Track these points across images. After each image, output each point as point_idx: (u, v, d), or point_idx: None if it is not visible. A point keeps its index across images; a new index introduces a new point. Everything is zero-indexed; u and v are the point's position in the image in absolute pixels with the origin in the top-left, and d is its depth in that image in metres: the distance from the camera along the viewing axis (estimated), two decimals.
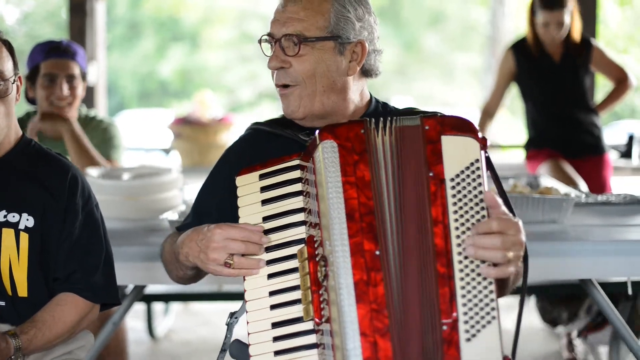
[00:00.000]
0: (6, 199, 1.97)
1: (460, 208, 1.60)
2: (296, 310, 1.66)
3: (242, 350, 1.81)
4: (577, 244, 2.46)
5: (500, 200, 1.61)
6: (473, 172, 1.62)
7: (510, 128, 14.65)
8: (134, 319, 4.83)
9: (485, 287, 1.56)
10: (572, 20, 4.23)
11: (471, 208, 1.60)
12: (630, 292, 3.33)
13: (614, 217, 2.87)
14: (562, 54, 4.27)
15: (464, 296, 1.55)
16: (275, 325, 1.67)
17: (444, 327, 1.55)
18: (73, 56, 3.27)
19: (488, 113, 4.50)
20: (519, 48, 4.36)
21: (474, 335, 1.55)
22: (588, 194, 3.15)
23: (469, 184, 1.61)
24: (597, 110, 4.40)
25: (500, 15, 11.80)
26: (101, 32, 6.31)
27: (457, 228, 1.59)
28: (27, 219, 1.95)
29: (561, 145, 4.30)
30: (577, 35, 4.25)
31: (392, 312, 1.56)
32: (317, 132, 1.70)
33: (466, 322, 1.55)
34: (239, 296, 3.64)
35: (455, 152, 1.64)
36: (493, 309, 1.56)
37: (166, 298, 4.40)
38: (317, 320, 1.63)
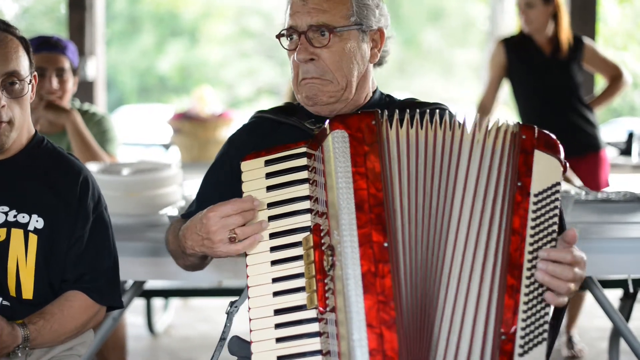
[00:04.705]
0: (17, 199, 1.94)
1: (537, 226, 1.61)
2: (299, 298, 1.65)
3: (241, 346, 1.80)
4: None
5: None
6: (553, 193, 1.63)
7: None
8: (133, 315, 4.83)
9: (543, 308, 1.59)
10: (559, 15, 4.22)
11: (545, 228, 1.61)
12: (631, 289, 3.32)
13: (614, 215, 2.86)
14: (552, 49, 4.25)
15: (524, 312, 1.57)
16: (277, 312, 1.66)
17: (503, 337, 1.56)
18: (63, 50, 3.25)
19: (484, 109, 4.45)
20: (510, 42, 4.34)
21: (526, 352, 1.56)
22: (588, 192, 3.15)
23: (547, 204, 1.62)
24: (590, 106, 4.37)
25: (499, 11, 11.80)
26: (100, 27, 6.30)
27: (530, 244, 1.60)
28: (37, 220, 1.93)
29: None
30: (565, 30, 4.23)
31: (399, 305, 1.56)
32: (327, 121, 1.69)
33: (522, 337, 1.57)
34: (238, 292, 3.64)
35: (543, 169, 1.64)
36: (545, 330, 1.58)
37: (166, 294, 4.40)
38: (321, 309, 1.61)
